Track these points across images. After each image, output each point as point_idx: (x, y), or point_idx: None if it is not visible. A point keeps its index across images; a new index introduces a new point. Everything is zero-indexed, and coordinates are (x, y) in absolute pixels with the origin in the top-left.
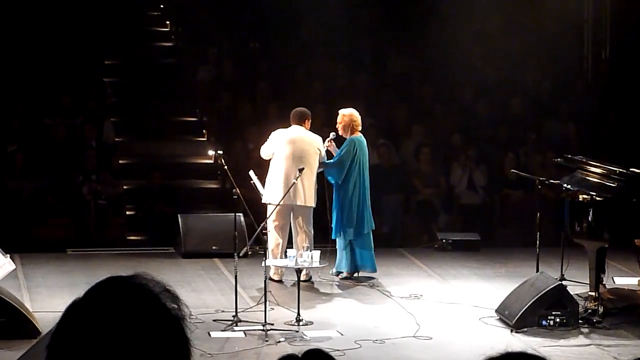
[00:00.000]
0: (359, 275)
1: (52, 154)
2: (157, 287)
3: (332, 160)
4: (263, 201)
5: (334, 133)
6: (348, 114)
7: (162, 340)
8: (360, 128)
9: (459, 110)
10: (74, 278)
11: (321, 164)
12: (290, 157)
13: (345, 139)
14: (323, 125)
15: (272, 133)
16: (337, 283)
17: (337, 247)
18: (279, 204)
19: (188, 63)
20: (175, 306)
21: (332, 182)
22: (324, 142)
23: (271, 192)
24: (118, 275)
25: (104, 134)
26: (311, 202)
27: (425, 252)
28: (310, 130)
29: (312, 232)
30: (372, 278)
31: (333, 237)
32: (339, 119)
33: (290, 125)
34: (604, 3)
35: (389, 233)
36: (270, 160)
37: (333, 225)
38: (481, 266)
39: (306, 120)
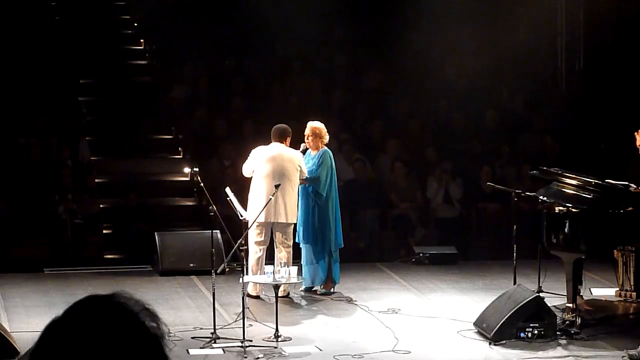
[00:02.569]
0: (335, 289)
1: (27, 174)
2: (136, 306)
3: (312, 176)
4: (245, 219)
5: (304, 144)
6: (319, 127)
7: (142, 358)
8: (327, 141)
9: (433, 124)
10: (52, 297)
11: (302, 180)
12: (270, 175)
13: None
14: (298, 141)
15: (252, 151)
16: (314, 299)
17: (309, 260)
18: (255, 221)
19: (162, 81)
20: (155, 325)
21: (323, 194)
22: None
23: (253, 210)
24: (97, 294)
25: (79, 153)
26: (293, 218)
27: (402, 266)
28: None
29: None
30: (348, 293)
31: (314, 249)
32: (309, 132)
33: (270, 142)
34: (577, 14)
35: (366, 248)
36: (251, 178)
37: (309, 236)
38: (458, 279)
39: (287, 138)
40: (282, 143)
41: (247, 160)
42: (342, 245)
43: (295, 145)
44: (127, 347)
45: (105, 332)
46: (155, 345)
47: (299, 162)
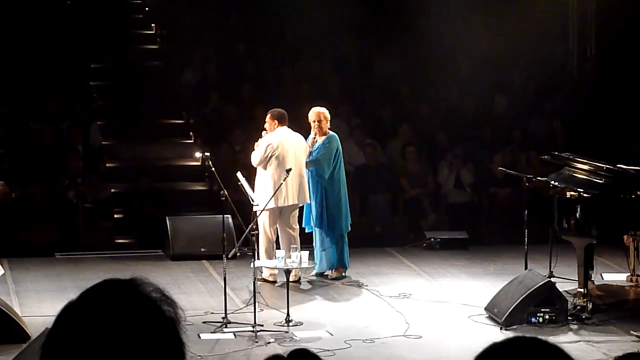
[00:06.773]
0: (346, 274)
1: (38, 159)
2: (154, 291)
3: (316, 157)
4: (258, 204)
5: (314, 132)
6: (324, 111)
7: (158, 343)
8: (329, 125)
9: (444, 109)
10: (63, 282)
11: (307, 162)
12: (283, 159)
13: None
14: (306, 126)
15: (260, 141)
16: (325, 283)
17: (320, 245)
18: (265, 207)
19: (173, 65)
20: (171, 310)
21: (326, 177)
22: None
23: (265, 195)
24: (114, 278)
25: (90, 138)
26: (305, 199)
27: (413, 251)
28: (298, 131)
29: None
30: (359, 278)
31: (325, 234)
32: (315, 117)
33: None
34: None
35: (377, 233)
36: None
37: (320, 220)
38: (469, 264)
39: (286, 120)
40: (285, 126)
41: (257, 150)
42: (349, 229)
43: (301, 132)
44: (143, 331)
45: (121, 316)
46: (172, 330)
47: (305, 144)
